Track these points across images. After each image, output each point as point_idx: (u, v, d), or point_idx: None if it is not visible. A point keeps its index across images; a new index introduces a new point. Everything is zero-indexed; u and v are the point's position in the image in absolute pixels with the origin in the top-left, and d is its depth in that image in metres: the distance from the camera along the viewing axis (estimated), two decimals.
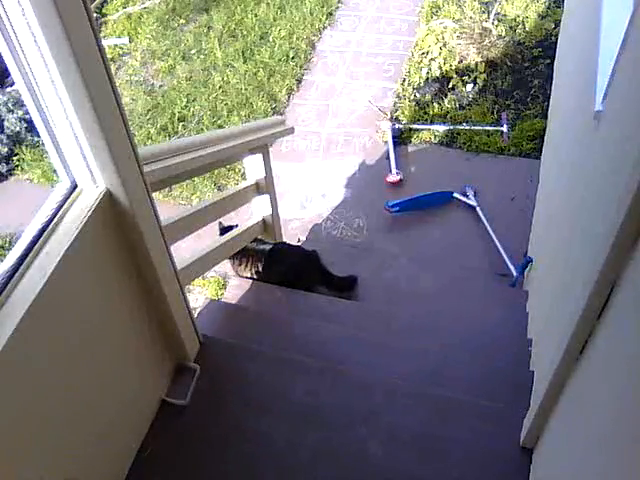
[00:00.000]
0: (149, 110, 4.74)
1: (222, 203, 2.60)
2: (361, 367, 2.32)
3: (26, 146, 4.49)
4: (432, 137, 4.26)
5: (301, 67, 4.98)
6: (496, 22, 4.90)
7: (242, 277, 2.92)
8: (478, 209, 3.74)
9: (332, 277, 3.02)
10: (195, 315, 2.34)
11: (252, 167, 2.77)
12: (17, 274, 1.35)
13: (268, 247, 2.90)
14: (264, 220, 2.97)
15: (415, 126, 4.32)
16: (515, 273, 3.20)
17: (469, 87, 4.52)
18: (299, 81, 4.89)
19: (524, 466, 1.83)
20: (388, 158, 4.12)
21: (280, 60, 5.00)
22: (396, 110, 4.49)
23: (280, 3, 5.54)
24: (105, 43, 5.26)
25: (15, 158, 4.46)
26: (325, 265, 3.01)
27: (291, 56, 5.03)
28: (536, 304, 2.58)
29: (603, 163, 1.52)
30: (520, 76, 4.55)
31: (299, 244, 3.44)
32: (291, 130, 2.94)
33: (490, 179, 3.95)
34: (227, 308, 2.78)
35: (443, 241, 3.64)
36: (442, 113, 4.37)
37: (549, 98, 3.91)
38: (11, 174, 4.44)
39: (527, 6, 5.03)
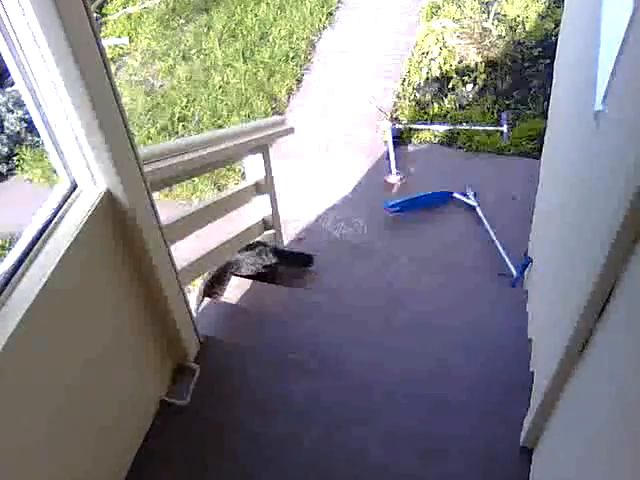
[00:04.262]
0: (149, 110, 4.74)
1: (222, 203, 2.60)
2: (361, 367, 2.32)
3: (26, 146, 4.49)
4: (432, 137, 4.26)
5: (301, 67, 4.98)
6: (496, 22, 4.90)
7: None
8: (478, 209, 3.74)
9: (286, 253, 3.10)
10: (195, 315, 2.34)
11: (252, 167, 2.77)
12: (17, 274, 1.35)
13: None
14: (264, 220, 2.97)
15: (415, 126, 4.32)
16: (515, 273, 3.20)
17: (469, 87, 4.52)
18: (299, 81, 4.89)
19: (524, 466, 1.83)
20: (388, 158, 4.12)
21: (280, 60, 5.00)
22: (396, 110, 4.49)
23: (280, 3, 5.54)
24: (105, 43, 5.26)
25: (15, 158, 4.46)
26: (277, 246, 3.07)
27: (291, 56, 5.03)
28: (536, 304, 2.58)
29: (603, 163, 1.52)
30: (520, 76, 4.55)
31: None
32: (291, 130, 2.94)
33: (490, 179, 3.95)
34: (227, 308, 2.77)
35: (443, 241, 3.64)
36: (442, 113, 4.37)
37: (549, 98, 3.91)
38: (11, 174, 4.45)
39: (527, 6, 5.04)
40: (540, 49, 4.67)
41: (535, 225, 3.28)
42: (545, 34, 4.78)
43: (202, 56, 5.17)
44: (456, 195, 3.84)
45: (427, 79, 4.63)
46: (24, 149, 4.47)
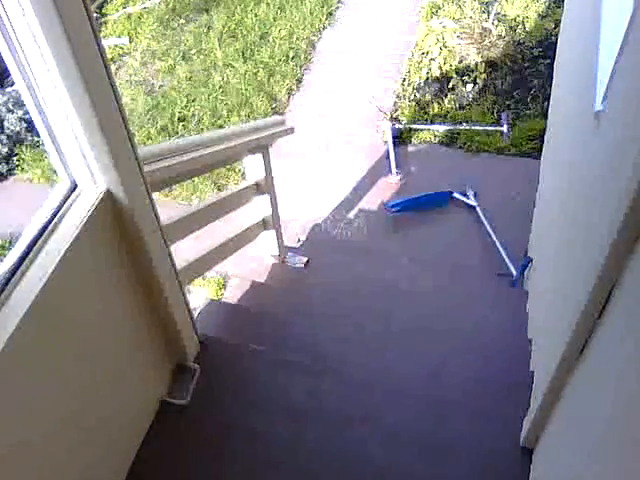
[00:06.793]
0: (149, 110, 4.74)
1: (222, 203, 2.60)
2: (361, 367, 2.32)
3: (26, 146, 4.49)
4: (432, 137, 4.26)
5: (301, 67, 4.98)
6: (496, 22, 4.91)
7: None
8: (478, 209, 3.74)
9: None
10: (195, 315, 2.34)
11: (252, 167, 2.77)
12: (17, 274, 1.35)
13: None
14: (264, 220, 2.97)
15: (415, 126, 4.32)
16: (515, 273, 3.20)
17: (469, 87, 4.52)
18: (299, 81, 4.89)
19: (524, 466, 1.83)
20: (388, 158, 4.12)
21: (280, 60, 5.00)
22: (396, 110, 4.49)
23: (280, 3, 5.54)
24: (105, 43, 5.26)
25: (15, 158, 4.46)
26: None
27: (291, 56, 5.03)
28: (536, 304, 2.58)
29: (603, 163, 1.52)
30: (520, 76, 4.55)
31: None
32: (291, 130, 2.93)
33: (490, 179, 3.95)
34: (227, 308, 2.78)
35: (443, 241, 3.64)
36: (442, 113, 4.37)
37: (549, 98, 3.90)
38: (11, 174, 4.45)
39: (527, 6, 5.04)
40: (540, 49, 4.67)
41: (535, 225, 3.28)
42: (545, 34, 4.79)
43: (202, 56, 5.17)
44: (456, 195, 3.84)
45: (427, 79, 4.64)
46: (24, 149, 4.47)
